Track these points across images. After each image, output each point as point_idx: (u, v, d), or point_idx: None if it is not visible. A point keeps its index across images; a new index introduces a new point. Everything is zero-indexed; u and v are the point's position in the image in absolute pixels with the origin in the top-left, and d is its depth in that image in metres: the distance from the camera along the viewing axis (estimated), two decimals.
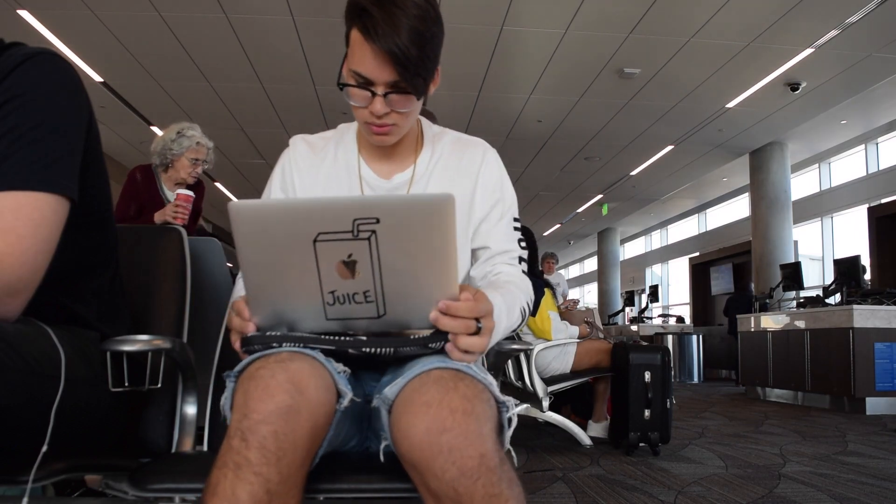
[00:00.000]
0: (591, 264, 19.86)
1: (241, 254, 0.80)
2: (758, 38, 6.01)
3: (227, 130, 8.64)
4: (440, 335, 0.85)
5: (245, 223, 0.78)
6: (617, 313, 11.42)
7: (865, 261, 7.06)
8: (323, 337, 0.86)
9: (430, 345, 0.86)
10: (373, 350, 0.86)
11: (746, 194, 10.85)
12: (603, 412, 3.77)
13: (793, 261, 8.34)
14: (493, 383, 0.86)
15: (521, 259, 1.14)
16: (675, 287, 16.13)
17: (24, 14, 5.53)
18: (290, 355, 0.79)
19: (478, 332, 0.84)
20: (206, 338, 1.34)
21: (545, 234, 16.30)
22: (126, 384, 0.98)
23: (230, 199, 12.51)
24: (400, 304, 0.84)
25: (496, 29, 5.87)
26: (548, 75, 6.85)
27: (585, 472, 2.92)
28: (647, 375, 3.37)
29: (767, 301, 7.22)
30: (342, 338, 0.86)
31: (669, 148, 9.39)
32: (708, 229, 14.42)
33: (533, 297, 1.11)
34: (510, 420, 0.85)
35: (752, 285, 9.25)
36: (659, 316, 11.75)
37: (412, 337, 0.87)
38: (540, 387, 3.45)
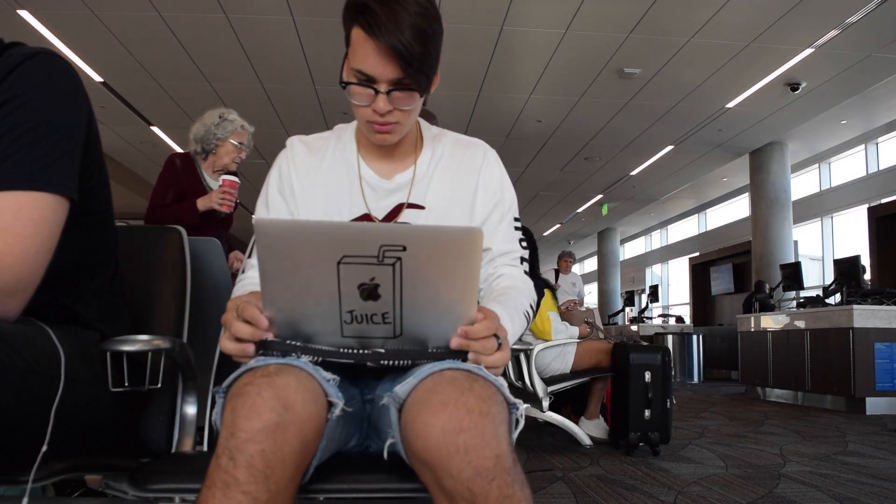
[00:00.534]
0: (591, 264, 19.86)
1: (263, 267, 0.80)
2: (758, 38, 6.02)
3: None
4: (458, 352, 0.86)
5: (270, 240, 0.79)
6: (617, 313, 11.42)
7: (865, 261, 7.06)
8: (342, 351, 0.86)
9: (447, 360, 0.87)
10: (390, 363, 0.87)
11: (746, 194, 10.86)
12: (596, 410, 3.77)
13: (793, 261, 8.34)
14: (504, 384, 0.86)
15: (522, 259, 1.14)
16: (675, 287, 16.14)
17: (24, 14, 5.53)
18: (278, 368, 0.79)
19: (499, 347, 0.86)
20: (206, 338, 1.34)
21: (545, 234, 16.30)
22: (126, 384, 0.98)
23: None
24: (417, 326, 0.85)
25: (496, 29, 5.87)
26: (548, 75, 6.85)
27: (585, 472, 2.92)
28: (648, 375, 3.37)
29: (771, 299, 7.20)
30: (361, 351, 0.86)
31: (669, 148, 9.39)
32: (708, 229, 14.43)
33: (535, 298, 1.11)
34: (517, 421, 0.85)
35: (767, 286, 9.22)
36: (659, 316, 11.76)
37: (430, 351, 0.87)
38: (540, 387, 3.45)
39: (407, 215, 1.11)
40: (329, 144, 1.16)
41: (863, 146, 10.01)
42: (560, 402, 3.92)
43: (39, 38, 5.76)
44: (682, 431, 4.14)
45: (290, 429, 0.74)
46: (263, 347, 0.86)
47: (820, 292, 6.32)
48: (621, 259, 17.23)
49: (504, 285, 1.08)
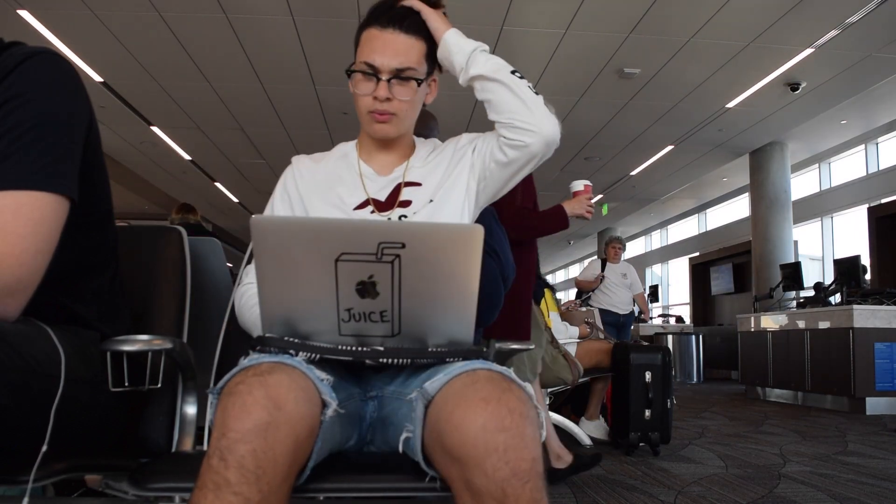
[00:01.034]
0: None
1: (260, 267, 0.80)
2: (758, 38, 6.01)
3: (227, 130, 8.64)
4: (458, 351, 0.86)
5: (267, 238, 0.78)
6: None
7: (865, 261, 7.05)
8: (340, 348, 0.85)
9: (447, 359, 0.87)
10: (389, 361, 0.86)
11: (746, 194, 10.85)
12: (596, 411, 3.77)
13: (793, 261, 8.33)
14: (531, 390, 0.86)
15: None
16: (675, 287, 16.13)
17: (24, 14, 5.52)
18: (270, 367, 0.78)
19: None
20: (206, 338, 1.34)
21: None
22: (126, 384, 0.98)
23: (230, 200, 12.54)
24: (415, 324, 0.85)
25: (496, 29, 5.87)
26: (548, 75, 6.84)
27: (585, 472, 2.92)
28: (648, 375, 3.37)
29: (772, 297, 7.17)
30: (360, 348, 0.86)
31: (669, 148, 9.39)
32: (708, 229, 14.42)
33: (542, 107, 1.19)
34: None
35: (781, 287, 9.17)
36: (659, 316, 11.75)
37: (430, 350, 0.87)
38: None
39: (406, 193, 1.16)
40: (331, 156, 1.25)
41: (863, 146, 10.01)
42: (560, 402, 3.92)
43: (39, 38, 5.76)
44: (682, 431, 4.14)
45: (281, 428, 0.73)
46: (260, 344, 0.86)
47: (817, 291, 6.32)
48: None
49: None
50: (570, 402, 3.99)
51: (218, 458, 0.71)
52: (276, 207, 1.19)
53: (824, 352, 5.59)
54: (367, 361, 0.86)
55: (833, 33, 5.89)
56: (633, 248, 18.50)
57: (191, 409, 1.20)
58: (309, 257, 0.78)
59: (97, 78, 6.84)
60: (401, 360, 0.87)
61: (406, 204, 1.15)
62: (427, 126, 2.36)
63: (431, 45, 1.15)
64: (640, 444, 3.36)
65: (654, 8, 5.48)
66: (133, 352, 0.98)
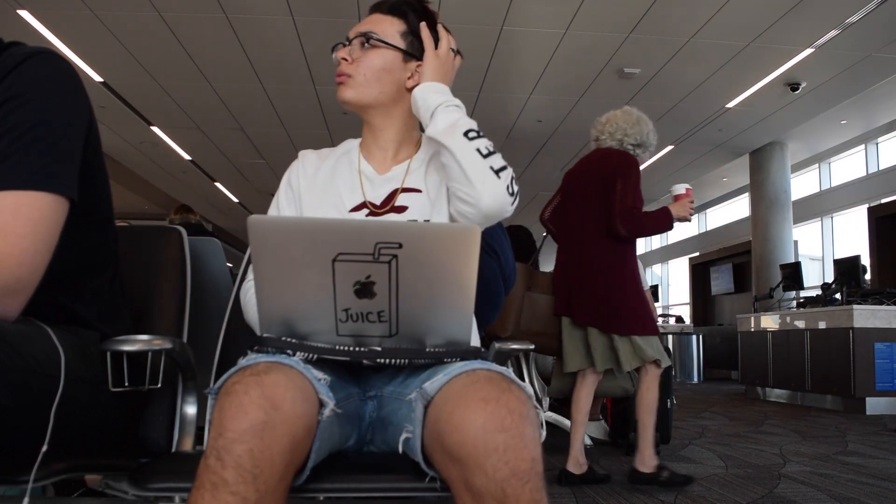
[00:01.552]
0: None
1: (257, 267, 0.80)
2: (758, 38, 6.01)
3: (227, 130, 8.64)
4: (455, 351, 0.86)
5: (264, 238, 0.78)
6: None
7: (865, 261, 7.05)
8: (337, 348, 0.85)
9: (444, 360, 0.86)
10: (387, 361, 0.86)
11: (746, 194, 10.85)
12: (596, 411, 3.77)
13: (793, 261, 8.33)
14: (531, 390, 0.86)
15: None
16: (675, 287, 16.13)
17: (24, 14, 5.52)
18: (267, 367, 0.78)
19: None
20: (206, 338, 1.34)
21: (545, 233, 16.28)
22: (126, 384, 0.98)
23: (230, 200, 12.54)
24: (413, 325, 0.85)
25: (496, 29, 5.87)
26: (548, 75, 6.84)
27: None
28: None
29: (772, 297, 7.15)
30: (357, 349, 0.86)
31: (669, 148, 9.39)
32: (708, 229, 14.42)
33: (514, 175, 1.11)
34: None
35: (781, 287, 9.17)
36: (659, 316, 11.75)
37: (427, 350, 0.87)
38: (540, 387, 3.45)
39: (403, 199, 1.15)
40: (336, 152, 1.25)
41: (863, 146, 10.01)
42: (560, 402, 3.92)
43: (39, 38, 5.76)
44: (682, 431, 4.14)
45: (278, 428, 0.73)
46: (258, 344, 0.86)
47: (819, 291, 6.31)
48: None
49: None
50: (570, 402, 3.98)
51: (215, 458, 0.71)
52: (281, 203, 1.20)
53: (824, 352, 5.59)
54: (365, 362, 0.86)
55: (833, 33, 5.88)
56: None
57: (191, 409, 1.20)
58: (306, 257, 0.78)
59: (97, 78, 6.84)
60: (398, 361, 0.87)
61: (401, 210, 1.14)
62: None
63: (415, 28, 1.17)
64: None
65: (654, 8, 5.48)
66: (133, 352, 0.97)
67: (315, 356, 0.85)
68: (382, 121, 1.19)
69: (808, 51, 6.26)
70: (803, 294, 7.38)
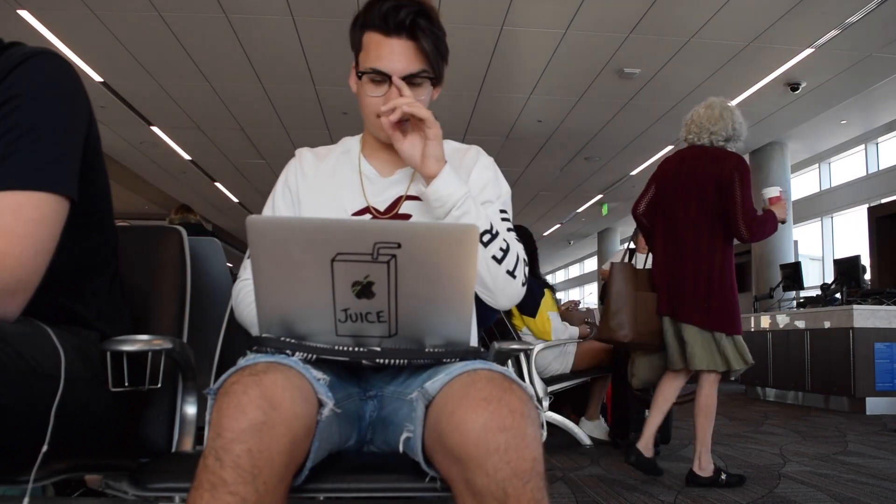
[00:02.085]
0: (591, 264, 19.85)
1: (256, 267, 0.80)
2: (758, 38, 6.01)
3: (227, 130, 8.64)
4: (455, 352, 0.86)
5: (263, 238, 0.78)
6: None
7: (865, 261, 7.05)
8: (337, 348, 0.85)
9: (444, 360, 0.86)
10: (386, 361, 0.86)
11: None
12: (596, 411, 3.77)
13: (793, 261, 8.33)
14: (532, 389, 0.86)
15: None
16: None
17: (24, 14, 5.52)
18: (266, 367, 0.78)
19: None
20: (206, 338, 1.34)
21: (545, 234, 16.29)
22: (126, 384, 0.98)
23: (230, 200, 12.54)
24: (412, 325, 0.85)
25: (496, 29, 5.87)
26: (548, 75, 6.84)
27: (585, 472, 2.92)
28: None
29: (772, 297, 7.14)
30: (356, 349, 0.86)
31: (669, 148, 9.38)
32: None
33: (525, 257, 1.12)
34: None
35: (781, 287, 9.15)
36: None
37: (427, 350, 0.87)
38: (540, 387, 3.45)
39: (407, 207, 1.13)
40: (335, 152, 1.22)
41: (863, 146, 10.01)
42: (560, 402, 3.92)
43: (39, 38, 5.76)
44: (682, 431, 4.14)
45: (277, 427, 0.73)
46: (257, 344, 0.86)
47: (819, 291, 6.31)
48: None
49: None
50: (570, 402, 3.99)
51: (214, 458, 0.71)
52: (277, 203, 1.17)
53: (824, 352, 5.59)
54: (364, 362, 0.86)
55: (833, 33, 5.88)
56: None
57: (191, 409, 1.20)
58: (305, 258, 0.78)
59: (97, 78, 6.84)
60: (398, 361, 0.87)
61: (405, 218, 1.13)
62: None
63: (438, 44, 1.09)
64: None
65: (654, 8, 5.48)
66: (133, 352, 0.98)
67: (314, 356, 0.85)
68: None
69: (808, 51, 6.26)
70: (803, 294, 7.37)
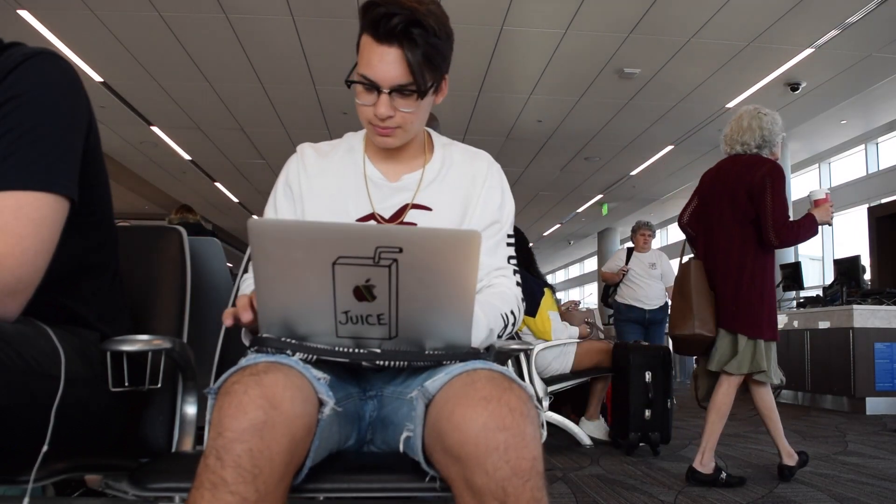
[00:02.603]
0: (591, 264, 19.85)
1: (257, 269, 0.80)
2: (758, 38, 6.01)
3: (227, 130, 8.64)
4: (455, 354, 0.86)
5: (264, 241, 0.78)
6: None
7: (865, 261, 7.05)
8: (337, 349, 0.86)
9: (444, 362, 0.87)
10: (386, 363, 0.86)
11: None
12: (596, 411, 3.77)
13: (793, 261, 8.33)
14: (531, 389, 0.86)
15: (514, 271, 1.17)
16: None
17: (24, 14, 5.52)
18: (266, 366, 0.78)
19: None
20: (206, 338, 1.34)
21: (545, 234, 16.29)
22: (126, 384, 0.98)
23: (230, 200, 12.54)
24: (413, 328, 0.85)
25: (496, 29, 5.87)
26: (548, 75, 6.84)
27: (585, 472, 2.92)
28: (648, 375, 3.38)
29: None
30: (356, 350, 0.86)
31: (669, 148, 9.39)
32: None
33: (520, 304, 1.12)
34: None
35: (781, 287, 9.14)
36: None
37: (427, 353, 0.87)
38: (540, 387, 3.45)
39: (412, 216, 1.11)
40: (338, 149, 1.18)
41: (863, 146, 10.01)
42: (560, 402, 3.92)
43: (39, 38, 5.76)
44: (682, 431, 4.14)
45: (277, 427, 0.73)
46: (258, 344, 0.86)
47: (820, 292, 6.31)
48: None
49: (492, 291, 1.10)
50: (570, 402, 3.99)
51: (214, 458, 0.71)
52: (279, 201, 1.14)
53: (824, 352, 5.59)
54: (364, 363, 0.86)
55: (833, 33, 5.89)
56: None
57: (191, 409, 1.20)
58: (306, 260, 0.78)
59: (97, 78, 6.84)
60: (397, 363, 0.87)
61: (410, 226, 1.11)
62: (429, 125, 2.36)
63: (432, 52, 1.00)
64: (640, 444, 3.36)
65: (654, 8, 5.48)
66: (133, 352, 0.98)
67: (314, 357, 0.85)
68: None
69: (808, 51, 6.26)
70: (803, 294, 7.38)
